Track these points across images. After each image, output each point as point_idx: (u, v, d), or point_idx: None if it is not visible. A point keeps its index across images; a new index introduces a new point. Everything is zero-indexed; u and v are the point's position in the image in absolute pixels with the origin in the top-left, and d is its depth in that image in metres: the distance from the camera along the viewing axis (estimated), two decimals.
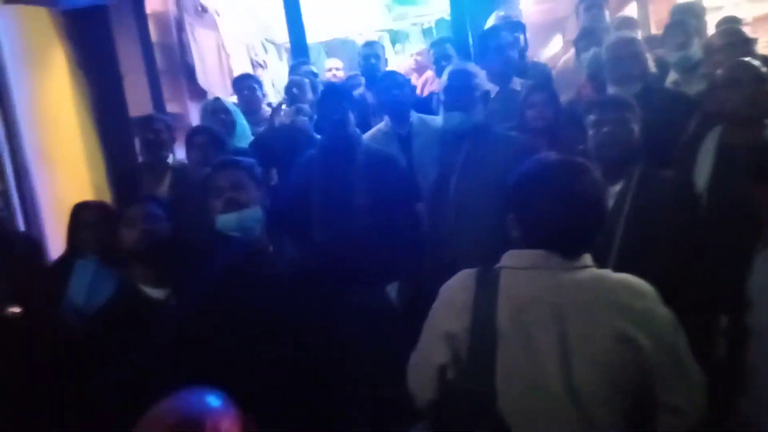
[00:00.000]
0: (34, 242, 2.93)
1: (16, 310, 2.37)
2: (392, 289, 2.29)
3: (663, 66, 2.87)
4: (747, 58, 1.98)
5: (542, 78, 3.13)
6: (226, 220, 1.67)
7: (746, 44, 2.45)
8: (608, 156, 1.82)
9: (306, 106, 3.09)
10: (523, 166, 1.20)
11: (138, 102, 3.96)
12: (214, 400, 0.95)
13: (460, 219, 2.09)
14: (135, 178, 3.13)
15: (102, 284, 2.21)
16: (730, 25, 2.81)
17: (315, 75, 3.81)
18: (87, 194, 3.52)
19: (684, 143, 2.05)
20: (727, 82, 1.90)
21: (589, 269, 1.13)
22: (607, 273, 1.14)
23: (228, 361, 1.52)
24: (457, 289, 1.19)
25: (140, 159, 3.39)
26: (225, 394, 0.99)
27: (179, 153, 3.26)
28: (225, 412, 0.93)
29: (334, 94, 2.49)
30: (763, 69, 1.91)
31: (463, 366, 1.10)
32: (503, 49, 2.87)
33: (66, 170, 3.59)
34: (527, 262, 1.14)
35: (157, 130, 3.09)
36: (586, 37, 3.00)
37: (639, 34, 3.06)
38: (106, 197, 3.64)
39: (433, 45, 3.72)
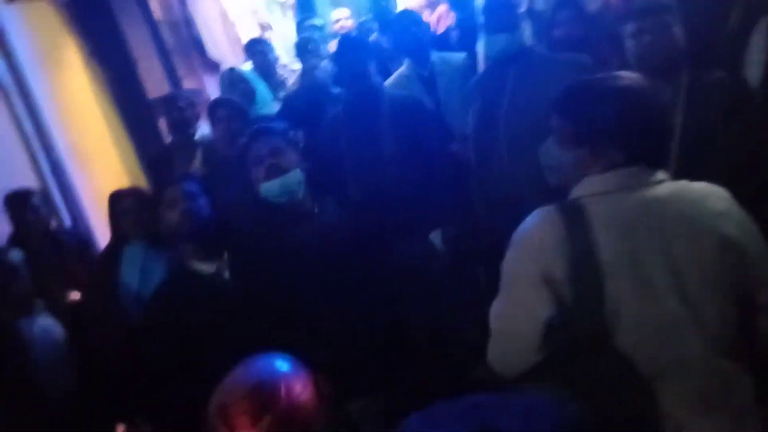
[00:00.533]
0: (80, 235, 3.04)
1: (76, 296, 2.49)
2: (436, 237, 2.26)
3: None
4: None
5: None
6: (269, 187, 1.67)
7: None
8: (653, 65, 1.70)
9: (324, 62, 3.00)
10: (580, 89, 1.12)
11: (155, 83, 3.97)
12: (283, 365, 0.96)
13: (513, 152, 1.94)
14: (166, 159, 3.16)
15: (153, 267, 2.27)
16: None
17: (321, 28, 3.70)
18: (123, 181, 3.57)
19: (728, 39, 1.90)
20: None
21: (667, 182, 1.08)
22: (686, 183, 1.09)
23: (287, 326, 1.54)
24: (541, 229, 1.08)
25: (168, 139, 3.41)
26: (293, 357, 1.00)
27: (203, 128, 3.27)
28: (296, 374, 0.95)
29: (351, 46, 2.41)
30: None
31: (569, 310, 1.03)
32: None
33: (99, 161, 3.66)
34: (613, 185, 1.06)
35: (181, 108, 3.09)
36: None
37: None
38: (142, 181, 3.71)
39: None
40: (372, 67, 2.33)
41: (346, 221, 1.74)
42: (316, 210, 1.72)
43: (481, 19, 2.05)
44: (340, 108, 2.43)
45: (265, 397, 0.90)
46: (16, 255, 2.32)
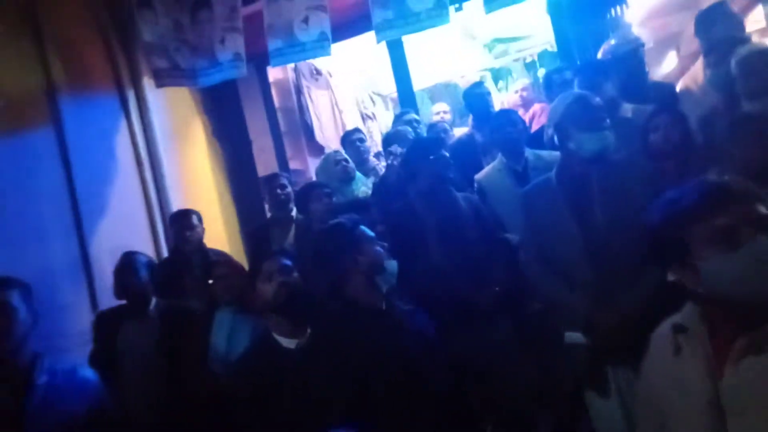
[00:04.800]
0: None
1: None
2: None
3: None
4: None
5: (667, 98, 2.93)
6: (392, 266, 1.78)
7: None
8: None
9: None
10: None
11: (265, 162, 4.34)
12: None
13: (612, 249, 1.90)
14: (264, 233, 3.39)
15: (240, 333, 2.40)
16: None
17: (418, 122, 3.89)
18: (225, 249, 3.85)
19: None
20: None
21: None
22: None
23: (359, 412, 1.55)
24: None
25: (268, 214, 3.66)
26: None
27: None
28: None
29: (427, 149, 2.50)
30: None
31: None
32: (599, 85, 2.72)
33: (206, 230, 3.98)
34: None
35: (283, 185, 3.36)
36: (718, 49, 2.75)
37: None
38: (241, 252, 3.97)
39: (549, 73, 3.57)
40: (446, 169, 2.44)
41: (413, 316, 1.78)
42: (384, 307, 1.77)
43: (570, 117, 2.04)
44: (410, 201, 2.51)
45: None
46: (141, 257, 2.63)
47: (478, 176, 2.81)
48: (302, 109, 4.79)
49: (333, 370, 1.62)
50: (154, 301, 2.60)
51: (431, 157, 2.43)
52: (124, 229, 3.40)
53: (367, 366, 1.61)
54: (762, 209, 0.98)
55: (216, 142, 4.32)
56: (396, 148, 3.07)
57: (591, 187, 1.98)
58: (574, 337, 1.91)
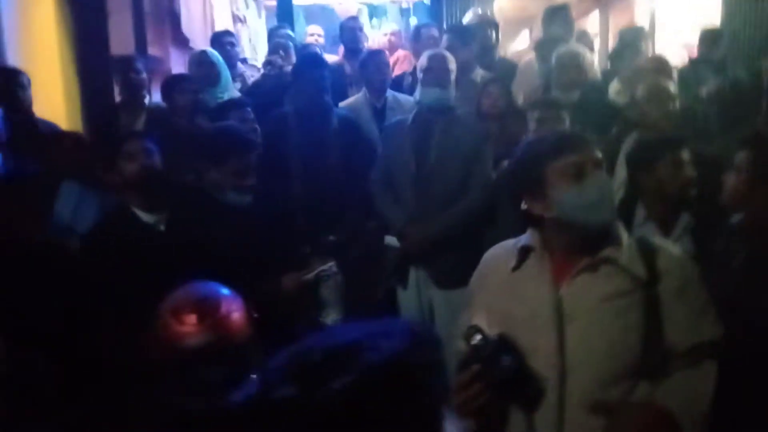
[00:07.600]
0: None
1: None
2: None
3: (608, 75, 3.30)
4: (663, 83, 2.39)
5: (506, 73, 3.47)
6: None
7: (667, 70, 2.86)
8: None
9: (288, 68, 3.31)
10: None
11: (121, 41, 4.04)
12: (224, 289, 1.25)
13: (440, 188, 2.40)
14: (112, 115, 3.31)
15: (87, 206, 2.43)
16: (659, 55, 3.23)
17: (293, 39, 4.00)
18: (61, 123, 3.62)
19: (607, 143, 2.45)
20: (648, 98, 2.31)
21: None
22: None
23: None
24: None
25: (118, 97, 3.53)
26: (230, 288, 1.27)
27: (154, 95, 3.44)
28: (234, 298, 1.24)
29: (314, 62, 2.75)
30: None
31: None
32: (469, 44, 3.21)
33: (42, 100, 3.66)
34: None
35: (138, 70, 3.28)
36: (547, 45, 3.35)
37: (596, 44, 3.41)
38: (79, 127, 3.75)
39: (418, 27, 3.96)
40: (327, 86, 2.67)
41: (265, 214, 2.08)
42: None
43: (420, 74, 2.49)
44: (288, 110, 2.74)
45: (210, 304, 1.19)
46: None
47: (342, 104, 3.08)
48: None
49: (192, 246, 1.83)
50: None
51: (317, 74, 2.63)
52: None
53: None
54: (599, 153, 1.25)
55: (67, 7, 3.90)
56: (277, 59, 3.20)
57: (432, 133, 2.42)
58: (390, 240, 2.41)
